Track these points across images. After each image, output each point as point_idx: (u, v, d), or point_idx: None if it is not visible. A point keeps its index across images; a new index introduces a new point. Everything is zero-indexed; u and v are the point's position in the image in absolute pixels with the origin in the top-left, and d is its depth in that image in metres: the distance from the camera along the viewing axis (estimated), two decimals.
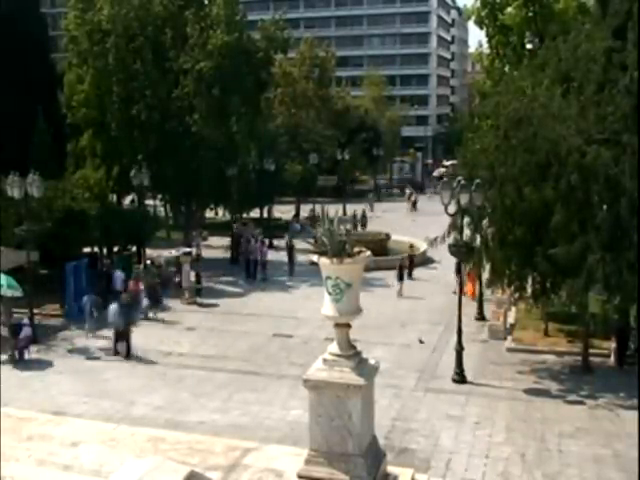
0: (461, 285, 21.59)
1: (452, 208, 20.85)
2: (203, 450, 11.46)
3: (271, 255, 37.13)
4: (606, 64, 19.61)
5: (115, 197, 38.53)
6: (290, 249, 36.60)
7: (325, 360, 9.21)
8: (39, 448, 11.61)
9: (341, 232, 9.07)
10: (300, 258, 35.62)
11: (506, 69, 36.48)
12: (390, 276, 33.40)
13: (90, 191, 31.17)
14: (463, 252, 21.29)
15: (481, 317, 26.09)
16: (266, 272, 34.44)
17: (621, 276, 17.72)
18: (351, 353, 9.23)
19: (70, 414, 16.54)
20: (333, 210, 10.52)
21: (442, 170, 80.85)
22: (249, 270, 34.77)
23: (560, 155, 18.68)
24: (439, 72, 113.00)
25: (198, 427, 16.17)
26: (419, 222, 49.47)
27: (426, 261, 37.25)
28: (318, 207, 51.81)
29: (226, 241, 40.12)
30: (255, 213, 46.85)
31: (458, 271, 23.01)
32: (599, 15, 22.20)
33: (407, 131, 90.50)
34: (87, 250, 32.27)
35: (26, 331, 22.77)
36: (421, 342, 23.29)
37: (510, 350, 22.40)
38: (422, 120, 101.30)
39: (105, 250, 33.67)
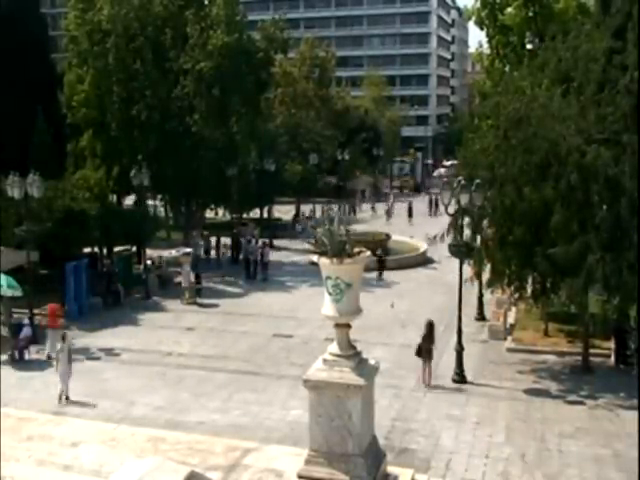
0: (460, 286, 21.52)
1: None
2: (203, 450, 11.47)
3: (271, 256, 37.11)
4: (606, 64, 19.62)
5: (115, 197, 38.53)
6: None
7: (325, 360, 9.21)
8: (39, 448, 11.62)
9: (341, 232, 9.09)
10: (300, 258, 35.66)
11: (506, 69, 36.47)
12: (390, 276, 33.49)
13: (90, 191, 31.17)
14: (463, 252, 21.28)
15: (481, 317, 26.08)
16: (267, 272, 34.46)
17: (621, 276, 17.71)
18: (351, 353, 9.23)
19: (70, 414, 16.55)
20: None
21: (442, 170, 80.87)
22: (249, 270, 34.78)
23: (560, 155, 18.68)
24: (439, 72, 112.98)
25: (198, 427, 16.17)
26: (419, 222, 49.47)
27: (426, 261, 37.24)
28: (318, 207, 52.08)
29: (226, 241, 40.09)
30: (255, 213, 46.86)
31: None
32: (599, 15, 22.20)
33: (407, 131, 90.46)
34: (87, 250, 32.28)
35: (26, 331, 22.77)
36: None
37: (510, 350, 22.39)
38: (422, 120, 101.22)
39: (105, 250, 33.66)
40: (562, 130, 18.87)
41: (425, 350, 19.68)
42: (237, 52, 36.69)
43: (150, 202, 42.40)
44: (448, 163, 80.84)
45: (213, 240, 39.78)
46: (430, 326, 20.04)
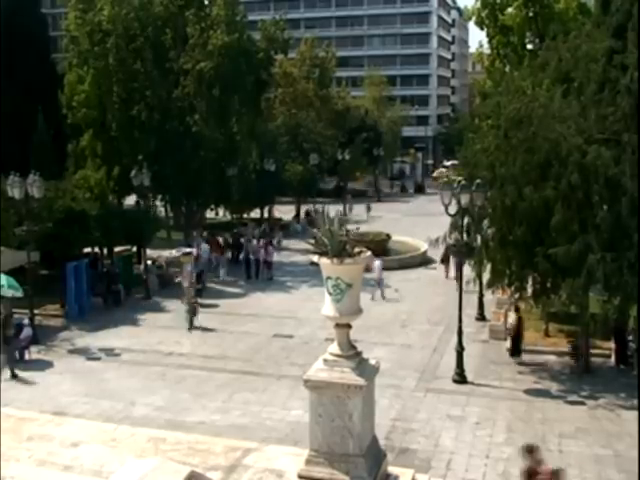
0: (461, 283, 21.50)
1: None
2: (204, 450, 11.45)
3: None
4: (606, 64, 19.60)
5: (116, 197, 38.53)
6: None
7: (326, 360, 9.20)
8: (39, 448, 11.61)
9: (341, 232, 9.07)
10: (300, 258, 35.64)
11: (506, 69, 36.54)
12: (390, 276, 33.43)
13: (90, 191, 31.17)
14: (463, 252, 21.28)
15: (481, 317, 26.07)
16: (272, 272, 34.48)
17: (621, 276, 17.69)
18: (351, 353, 9.22)
19: (70, 414, 16.55)
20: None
21: (442, 170, 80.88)
22: (249, 270, 34.77)
23: (560, 155, 18.67)
24: (439, 72, 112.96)
25: (198, 427, 16.16)
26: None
27: (426, 261, 37.22)
28: (319, 207, 52.09)
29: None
30: (256, 213, 46.87)
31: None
32: (599, 15, 22.20)
33: (407, 131, 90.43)
34: (88, 250, 32.28)
35: (26, 331, 22.76)
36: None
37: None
38: (423, 120, 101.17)
39: (106, 250, 33.67)
40: (563, 130, 18.85)
41: (446, 259, 31.85)
42: (237, 52, 36.71)
43: (150, 202, 42.37)
44: (448, 163, 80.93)
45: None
46: (447, 248, 29.19)
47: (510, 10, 37.49)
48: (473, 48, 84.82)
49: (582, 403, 18.21)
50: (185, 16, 37.38)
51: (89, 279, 28.32)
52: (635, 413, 16.12)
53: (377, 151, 70.86)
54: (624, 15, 19.99)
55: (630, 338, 20.68)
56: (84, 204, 29.43)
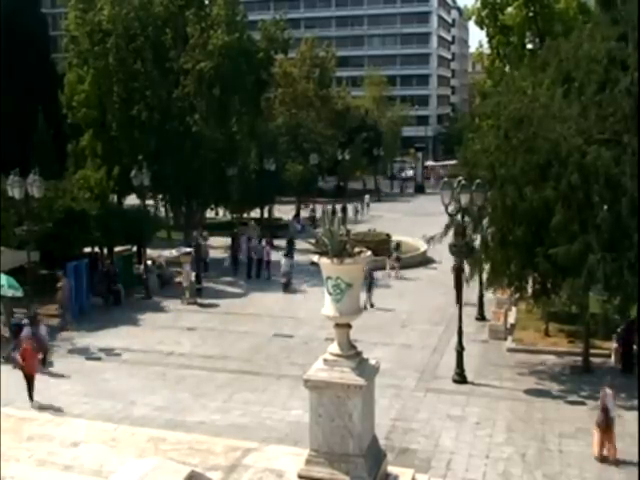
0: (460, 281, 21.50)
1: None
2: (204, 450, 11.44)
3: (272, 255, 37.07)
4: (607, 64, 19.60)
5: (116, 197, 38.53)
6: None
7: (326, 360, 9.20)
8: (39, 448, 11.60)
9: (341, 232, 9.07)
10: (300, 258, 35.63)
11: (507, 69, 36.53)
12: (391, 276, 33.46)
13: (90, 191, 31.16)
14: (463, 252, 21.27)
15: (481, 317, 26.07)
16: (271, 272, 34.45)
17: (621, 276, 17.68)
18: (351, 353, 9.22)
19: (70, 414, 16.55)
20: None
21: (434, 164, 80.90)
22: (250, 270, 34.74)
23: (561, 155, 18.67)
24: (440, 72, 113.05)
25: (198, 427, 16.17)
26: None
27: (426, 261, 37.20)
28: (319, 207, 52.11)
29: (226, 241, 40.06)
30: (256, 213, 46.86)
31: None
32: (600, 15, 22.20)
33: (408, 131, 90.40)
34: (88, 250, 32.26)
35: (26, 331, 22.72)
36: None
37: (511, 350, 22.38)
38: (423, 120, 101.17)
39: (106, 250, 33.65)
40: (563, 130, 18.85)
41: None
42: (237, 52, 36.72)
43: (151, 202, 42.39)
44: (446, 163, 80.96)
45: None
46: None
47: (510, 10, 37.47)
48: (473, 48, 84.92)
49: (582, 403, 18.20)
50: (185, 16, 37.38)
51: (89, 279, 28.32)
52: (635, 413, 16.11)
53: (377, 151, 70.87)
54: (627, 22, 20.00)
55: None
56: (84, 204, 29.42)
